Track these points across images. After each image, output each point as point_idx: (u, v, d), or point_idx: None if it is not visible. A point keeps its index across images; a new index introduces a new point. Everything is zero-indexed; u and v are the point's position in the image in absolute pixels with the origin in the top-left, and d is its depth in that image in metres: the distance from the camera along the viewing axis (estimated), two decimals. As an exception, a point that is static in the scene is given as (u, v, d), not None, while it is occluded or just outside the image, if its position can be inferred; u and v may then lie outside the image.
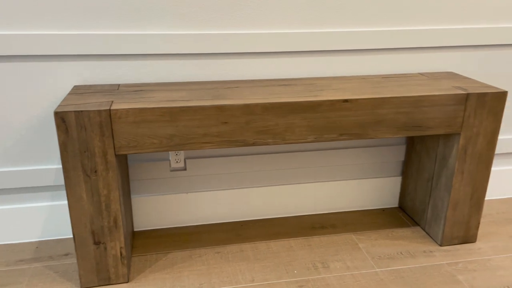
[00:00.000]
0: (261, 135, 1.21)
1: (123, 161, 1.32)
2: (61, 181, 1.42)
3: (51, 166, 1.40)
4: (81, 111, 1.08)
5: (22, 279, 1.28)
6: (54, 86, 1.32)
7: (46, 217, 1.45)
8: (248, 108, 1.18)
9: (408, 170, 1.62)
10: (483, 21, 1.52)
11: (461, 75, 1.49)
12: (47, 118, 1.35)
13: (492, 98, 1.29)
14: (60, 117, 1.08)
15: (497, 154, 1.71)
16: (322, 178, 1.62)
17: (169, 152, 1.46)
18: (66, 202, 1.45)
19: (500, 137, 1.68)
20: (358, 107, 1.23)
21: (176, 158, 1.48)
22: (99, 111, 1.09)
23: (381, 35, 1.46)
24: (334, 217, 1.63)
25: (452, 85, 1.35)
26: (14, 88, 1.31)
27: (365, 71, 1.50)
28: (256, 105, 1.18)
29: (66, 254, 1.40)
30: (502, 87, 1.62)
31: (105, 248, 1.22)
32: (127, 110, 1.10)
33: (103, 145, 1.12)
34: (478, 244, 1.47)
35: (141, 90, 1.27)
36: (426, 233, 1.53)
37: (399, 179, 1.68)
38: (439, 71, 1.55)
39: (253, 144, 1.21)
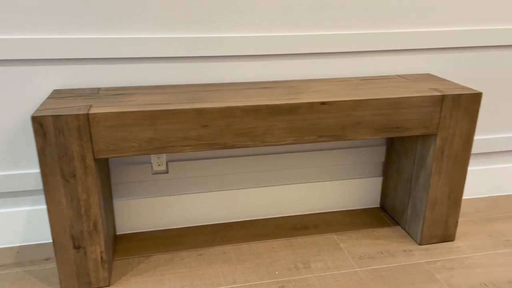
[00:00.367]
0: (241, 138, 1.22)
1: (104, 165, 1.32)
2: (41, 186, 1.41)
3: (31, 170, 1.39)
4: (59, 115, 1.08)
5: (3, 284, 1.27)
6: (34, 90, 1.32)
7: (27, 222, 1.44)
8: (228, 111, 1.19)
9: (388, 170, 1.64)
10: (460, 23, 1.55)
11: (439, 77, 1.51)
12: (26, 123, 1.35)
13: (467, 99, 1.32)
14: (38, 122, 1.08)
15: (475, 154, 1.75)
16: (304, 179, 1.64)
17: (151, 155, 1.46)
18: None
19: (476, 137, 1.71)
20: (336, 109, 1.24)
21: (158, 161, 1.48)
22: (77, 115, 1.09)
23: (360, 38, 1.48)
24: (316, 218, 1.64)
25: (428, 87, 1.37)
26: (-8, 92, 1.30)
27: (344, 73, 1.52)
28: (236, 108, 1.19)
29: (47, 259, 1.39)
30: (479, 88, 1.65)
31: (85, 253, 1.22)
32: (106, 114, 1.10)
33: (82, 149, 1.12)
34: (456, 243, 1.49)
35: (121, 94, 1.27)
36: (406, 232, 1.55)
37: (380, 180, 1.70)
38: (417, 73, 1.58)
39: (233, 147, 1.22)
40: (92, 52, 1.31)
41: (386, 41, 1.50)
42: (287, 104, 1.21)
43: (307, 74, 1.50)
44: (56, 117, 1.08)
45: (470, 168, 1.75)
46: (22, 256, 1.40)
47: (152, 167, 1.48)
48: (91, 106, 1.15)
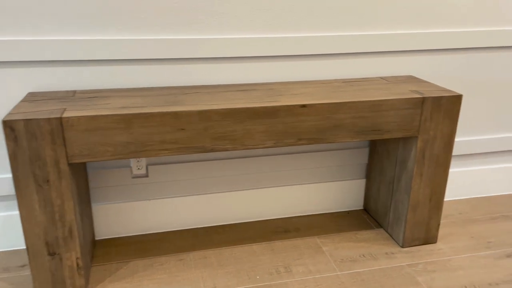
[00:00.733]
0: (220, 141, 1.20)
1: (80, 169, 1.29)
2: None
3: (4, 175, 1.36)
4: (31, 119, 1.05)
5: (-25, 293, 1.24)
6: (7, 93, 1.29)
7: (1, 228, 1.41)
8: (205, 114, 1.17)
9: (371, 172, 1.64)
10: (442, 26, 1.55)
11: (420, 79, 1.51)
12: None
13: (447, 101, 1.32)
14: (9, 126, 1.05)
15: (456, 155, 1.75)
16: (287, 182, 1.62)
17: (131, 159, 1.43)
18: (23, 211, 1.41)
19: (458, 139, 1.72)
20: (315, 112, 1.23)
21: (137, 165, 1.45)
22: (49, 119, 1.06)
23: (343, 40, 1.47)
24: (298, 221, 1.63)
25: (409, 89, 1.37)
26: (-36, 95, 1.27)
27: (326, 75, 1.51)
28: (214, 111, 1.17)
29: (23, 266, 1.36)
30: (461, 89, 1.65)
31: (61, 259, 1.19)
32: (79, 117, 1.08)
33: (55, 154, 1.09)
34: (438, 245, 1.49)
35: (96, 97, 1.24)
36: (389, 235, 1.55)
37: (363, 182, 1.69)
38: (399, 74, 1.58)
39: (211, 150, 1.20)
40: (68, 54, 1.28)
41: (368, 43, 1.50)
42: (265, 107, 1.20)
43: (288, 76, 1.48)
44: (28, 121, 1.05)
45: (451, 170, 1.76)
46: (-3, 263, 1.37)
47: (131, 171, 1.46)
48: (65, 109, 1.12)
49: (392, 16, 1.50)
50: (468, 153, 1.74)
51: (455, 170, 1.76)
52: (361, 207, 1.73)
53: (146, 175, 1.48)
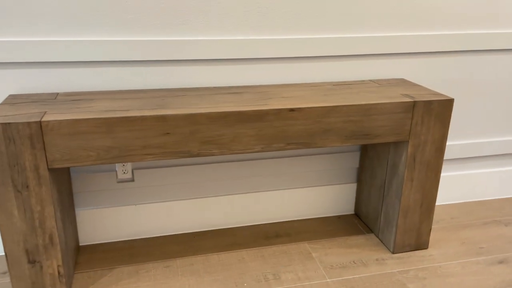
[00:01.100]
0: (207, 146, 1.17)
1: (63, 173, 1.25)
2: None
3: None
4: (9, 123, 1.01)
5: (-48, 302, 1.20)
6: (-13, 95, 1.25)
7: (-19, 234, 1.37)
8: (192, 118, 1.13)
9: (362, 176, 1.61)
10: (434, 28, 1.53)
11: (412, 82, 1.49)
12: (-20, 129, 1.27)
13: (438, 105, 1.30)
14: (-14, 130, 1.01)
15: (447, 159, 1.73)
16: (277, 186, 1.59)
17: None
18: (4, 217, 1.37)
19: (449, 142, 1.70)
20: (305, 116, 1.20)
21: (123, 169, 1.42)
22: (29, 123, 1.02)
23: (334, 42, 1.44)
24: (288, 226, 1.60)
25: (400, 93, 1.35)
26: None
27: (317, 78, 1.49)
28: (201, 114, 1.14)
29: (4, 273, 1.32)
30: (453, 92, 1.63)
31: (41, 267, 1.15)
32: (60, 121, 1.04)
33: (35, 158, 1.05)
34: (429, 251, 1.47)
35: (80, 100, 1.21)
36: (380, 240, 1.52)
37: (354, 186, 1.67)
38: (391, 77, 1.55)
39: (198, 155, 1.17)
40: (51, 55, 1.24)
41: (359, 45, 1.47)
42: (254, 111, 1.17)
43: (279, 79, 1.46)
44: (6, 125, 1.02)
45: (442, 174, 1.74)
46: (-23, 270, 1.33)
47: (117, 175, 1.42)
48: (45, 113, 1.09)
49: (384, 18, 1.47)
50: (460, 157, 1.72)
51: (446, 174, 1.74)
52: (352, 212, 1.70)
53: (132, 179, 1.44)
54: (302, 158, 1.57)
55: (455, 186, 1.77)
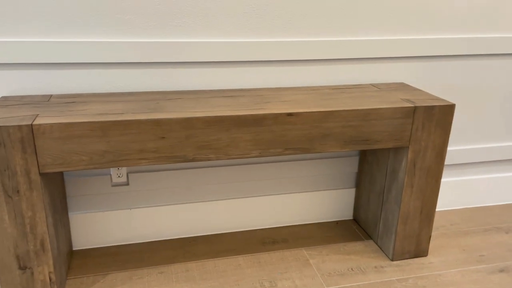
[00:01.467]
0: (202, 150, 1.15)
1: (56, 177, 1.23)
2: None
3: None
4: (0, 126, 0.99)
5: None
6: (-21, 96, 1.22)
7: (-28, 238, 1.34)
8: (187, 122, 1.11)
9: (361, 182, 1.59)
10: (434, 32, 1.50)
11: (412, 87, 1.47)
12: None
13: (439, 111, 1.27)
14: (-25, 133, 0.98)
15: (448, 165, 1.71)
16: (275, 191, 1.57)
17: (110, 166, 1.37)
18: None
19: (450, 148, 1.67)
20: (303, 121, 1.18)
21: (117, 173, 1.39)
22: (20, 126, 1.00)
23: (334, 45, 1.42)
24: (286, 231, 1.58)
25: (400, 98, 1.32)
26: None
27: (316, 81, 1.46)
28: (197, 119, 1.11)
29: (-5, 278, 1.29)
30: (454, 97, 1.61)
31: (32, 274, 1.12)
32: (52, 125, 1.02)
33: (26, 163, 1.03)
34: (429, 258, 1.45)
35: (73, 102, 1.18)
36: (379, 247, 1.50)
37: (353, 191, 1.64)
38: (391, 81, 1.53)
39: (194, 160, 1.15)
40: (44, 56, 1.22)
41: (359, 49, 1.45)
42: (250, 115, 1.14)
43: (277, 82, 1.43)
44: (-4, 128, 0.99)
45: (443, 180, 1.71)
46: (-32, 275, 1.30)
47: (111, 179, 1.39)
48: (37, 115, 1.06)
49: (384, 21, 1.45)
50: (461, 162, 1.70)
51: (447, 180, 1.71)
52: (351, 217, 1.68)
53: (127, 183, 1.42)
54: (300, 162, 1.55)
55: (456, 192, 1.75)
